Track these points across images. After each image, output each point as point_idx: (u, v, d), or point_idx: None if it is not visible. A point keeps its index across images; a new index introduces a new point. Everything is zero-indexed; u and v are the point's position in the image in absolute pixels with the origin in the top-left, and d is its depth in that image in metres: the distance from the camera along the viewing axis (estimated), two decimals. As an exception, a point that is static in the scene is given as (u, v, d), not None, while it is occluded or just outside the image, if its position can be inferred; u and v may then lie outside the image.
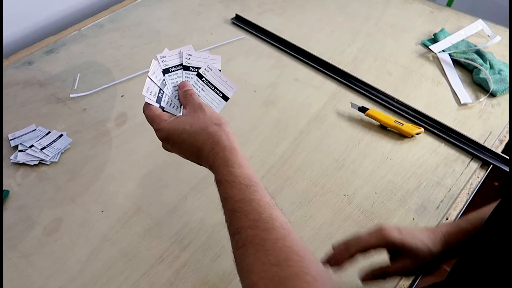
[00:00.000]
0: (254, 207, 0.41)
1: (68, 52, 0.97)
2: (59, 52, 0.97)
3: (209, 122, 0.48)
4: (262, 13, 1.12)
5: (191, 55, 0.55)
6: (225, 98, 0.55)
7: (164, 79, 0.54)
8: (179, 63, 0.55)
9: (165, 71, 0.54)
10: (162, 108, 0.53)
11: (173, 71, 0.54)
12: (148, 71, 0.52)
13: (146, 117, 0.52)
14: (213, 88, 0.55)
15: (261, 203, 0.41)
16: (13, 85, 0.88)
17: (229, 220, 0.43)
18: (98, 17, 1.07)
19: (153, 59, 0.53)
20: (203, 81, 0.55)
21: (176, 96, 0.54)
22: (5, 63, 0.93)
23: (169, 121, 0.49)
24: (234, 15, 1.09)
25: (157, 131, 0.50)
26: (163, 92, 0.53)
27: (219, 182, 0.45)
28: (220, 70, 0.55)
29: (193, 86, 0.55)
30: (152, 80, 0.52)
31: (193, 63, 0.55)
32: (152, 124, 0.51)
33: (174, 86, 0.54)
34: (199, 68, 0.55)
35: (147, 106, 0.51)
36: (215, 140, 0.46)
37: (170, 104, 0.54)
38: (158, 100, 0.52)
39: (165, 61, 0.54)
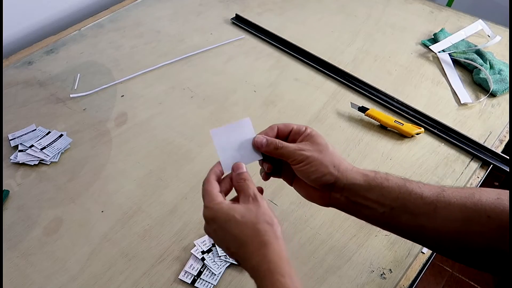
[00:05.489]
0: None
1: (68, 52, 0.97)
2: (59, 52, 0.97)
3: (262, 218, 0.44)
4: (262, 13, 1.12)
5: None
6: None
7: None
8: None
9: None
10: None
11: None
12: None
13: (202, 191, 0.48)
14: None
15: None
16: (13, 85, 0.88)
17: None
18: (98, 17, 1.07)
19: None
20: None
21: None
22: (5, 63, 0.93)
23: (221, 203, 0.45)
24: (234, 15, 1.09)
25: (205, 208, 0.46)
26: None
27: None
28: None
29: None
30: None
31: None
32: (203, 199, 0.47)
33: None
34: None
35: (208, 180, 0.48)
36: (264, 240, 0.42)
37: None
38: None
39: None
